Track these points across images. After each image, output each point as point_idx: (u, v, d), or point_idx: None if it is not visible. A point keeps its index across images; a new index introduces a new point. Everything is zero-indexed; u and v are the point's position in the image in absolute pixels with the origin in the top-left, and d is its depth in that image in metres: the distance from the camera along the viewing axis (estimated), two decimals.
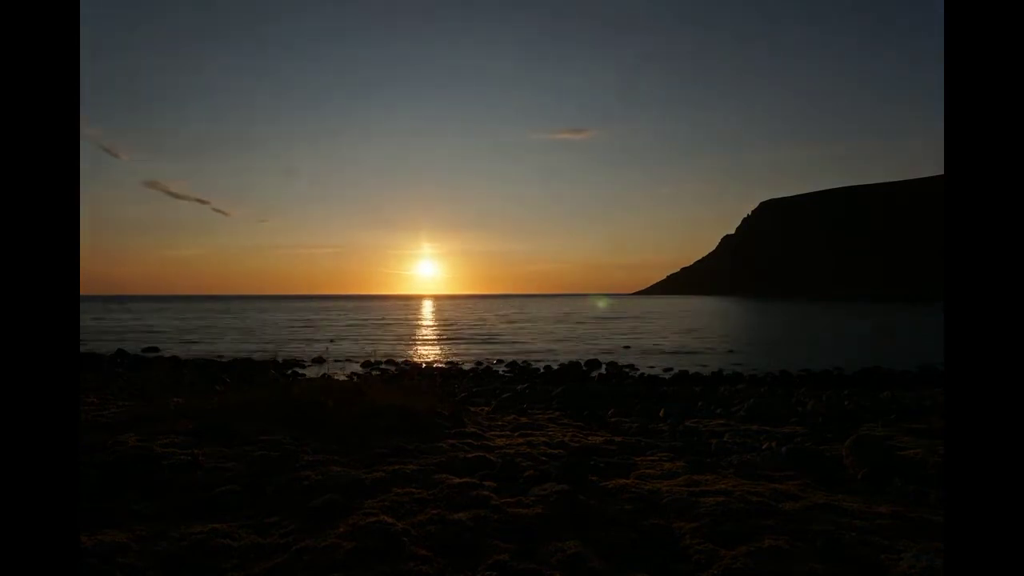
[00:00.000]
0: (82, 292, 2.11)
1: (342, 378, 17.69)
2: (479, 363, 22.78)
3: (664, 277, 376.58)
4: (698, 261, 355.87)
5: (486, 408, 9.45)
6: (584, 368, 20.60)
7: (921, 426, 7.58)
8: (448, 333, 41.94)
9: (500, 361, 23.45)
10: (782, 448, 6.46)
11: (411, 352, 27.22)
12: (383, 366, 21.32)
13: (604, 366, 21.02)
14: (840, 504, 4.47)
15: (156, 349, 28.30)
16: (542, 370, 20.06)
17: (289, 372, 19.78)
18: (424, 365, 21.10)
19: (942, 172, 2.07)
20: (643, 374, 19.14)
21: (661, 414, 9.21)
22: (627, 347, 30.42)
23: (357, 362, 22.61)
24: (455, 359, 24.17)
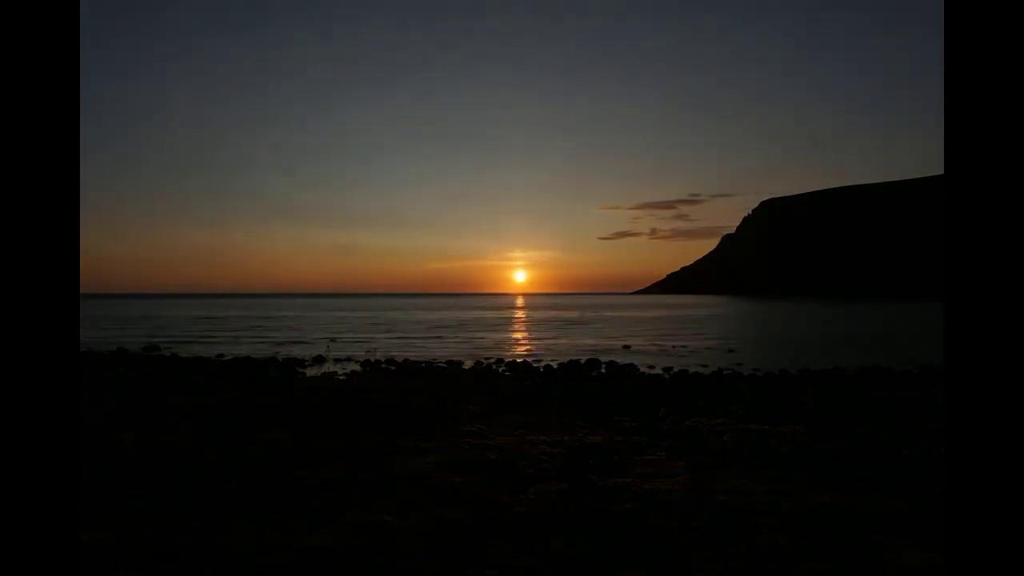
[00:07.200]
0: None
1: (342, 377, 17.77)
2: (479, 362, 22.80)
3: (664, 276, 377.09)
4: (698, 260, 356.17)
5: (486, 407, 9.45)
6: (584, 367, 20.58)
7: (921, 426, 7.58)
8: (447, 332, 42.01)
9: (500, 360, 23.47)
10: (782, 447, 6.46)
11: (411, 351, 27.24)
12: (383, 365, 21.32)
13: (604, 365, 20.97)
14: (839, 503, 4.47)
15: (156, 348, 28.33)
16: (542, 369, 20.06)
17: (289, 371, 19.79)
18: (424, 364, 21.08)
19: (942, 172, 2.07)
20: (643, 373, 19.13)
21: (661, 413, 9.21)
22: (627, 346, 30.45)
23: (357, 361, 22.61)
24: (455, 358, 24.17)
